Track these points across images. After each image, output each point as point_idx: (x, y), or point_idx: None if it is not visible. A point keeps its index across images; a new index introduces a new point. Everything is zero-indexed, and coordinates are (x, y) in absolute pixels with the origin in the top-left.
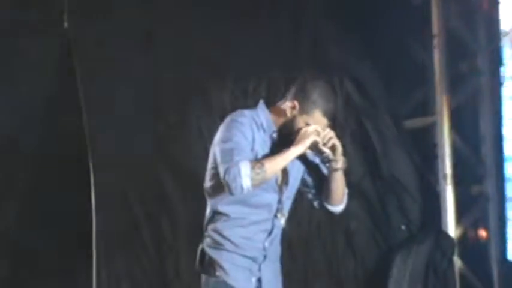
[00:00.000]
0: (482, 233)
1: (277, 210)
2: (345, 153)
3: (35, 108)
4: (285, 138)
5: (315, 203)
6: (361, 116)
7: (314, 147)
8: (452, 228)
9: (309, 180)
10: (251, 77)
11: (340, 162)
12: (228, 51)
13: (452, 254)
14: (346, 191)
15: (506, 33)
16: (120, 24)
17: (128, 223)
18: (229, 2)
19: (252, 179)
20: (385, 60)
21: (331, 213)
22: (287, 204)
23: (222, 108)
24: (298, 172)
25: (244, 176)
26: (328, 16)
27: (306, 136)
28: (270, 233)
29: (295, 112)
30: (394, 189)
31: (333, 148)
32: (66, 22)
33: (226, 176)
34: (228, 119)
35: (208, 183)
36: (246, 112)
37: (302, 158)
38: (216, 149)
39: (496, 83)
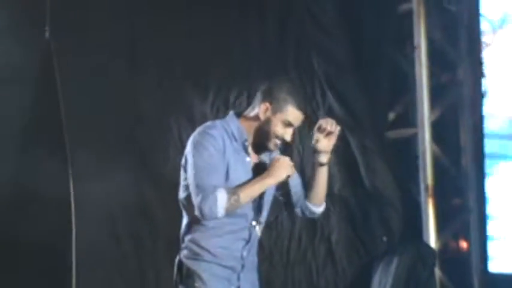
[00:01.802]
0: (463, 244)
1: (253, 218)
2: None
3: (14, 117)
4: (259, 144)
5: (297, 210)
6: (344, 128)
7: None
8: (433, 240)
9: (286, 186)
10: (233, 88)
11: (327, 156)
12: (210, 61)
13: (433, 265)
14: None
15: (488, 45)
16: (101, 33)
17: (108, 235)
18: (212, 12)
19: (226, 209)
20: (367, 71)
21: (312, 223)
22: (263, 212)
23: (203, 119)
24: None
25: (220, 206)
26: (312, 26)
27: (282, 168)
28: (247, 242)
29: (268, 114)
30: (375, 200)
31: (331, 138)
32: (47, 32)
33: (202, 204)
34: (199, 131)
35: (182, 194)
36: (217, 123)
37: None
38: (188, 164)
39: (477, 94)
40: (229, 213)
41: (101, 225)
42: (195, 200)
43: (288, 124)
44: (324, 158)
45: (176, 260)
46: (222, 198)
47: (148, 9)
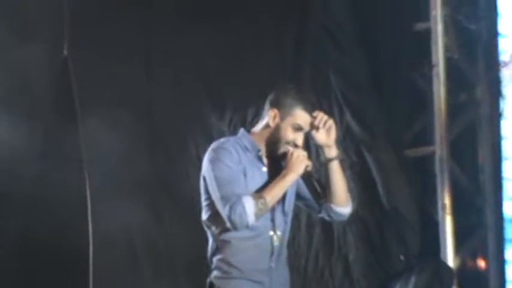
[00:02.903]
0: (481, 262)
1: (271, 228)
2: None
3: (33, 133)
4: (272, 151)
5: (323, 214)
6: (361, 146)
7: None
8: (451, 258)
9: (305, 190)
10: (250, 106)
11: (334, 149)
12: (227, 80)
13: (451, 284)
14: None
15: (506, 64)
16: (118, 50)
17: (126, 253)
18: (229, 30)
19: (256, 215)
20: (385, 90)
21: (329, 242)
22: (280, 221)
23: (221, 137)
24: (292, 190)
25: (249, 213)
26: (329, 44)
27: (298, 161)
28: (272, 253)
29: (277, 120)
30: (393, 218)
31: (328, 131)
32: (65, 48)
33: (232, 214)
34: (212, 147)
35: (205, 215)
36: (229, 138)
37: None
38: (208, 181)
39: (495, 113)
40: (259, 218)
41: (118, 244)
42: (223, 211)
43: (298, 128)
44: (329, 152)
45: (207, 282)
46: (249, 204)
47: (165, 26)
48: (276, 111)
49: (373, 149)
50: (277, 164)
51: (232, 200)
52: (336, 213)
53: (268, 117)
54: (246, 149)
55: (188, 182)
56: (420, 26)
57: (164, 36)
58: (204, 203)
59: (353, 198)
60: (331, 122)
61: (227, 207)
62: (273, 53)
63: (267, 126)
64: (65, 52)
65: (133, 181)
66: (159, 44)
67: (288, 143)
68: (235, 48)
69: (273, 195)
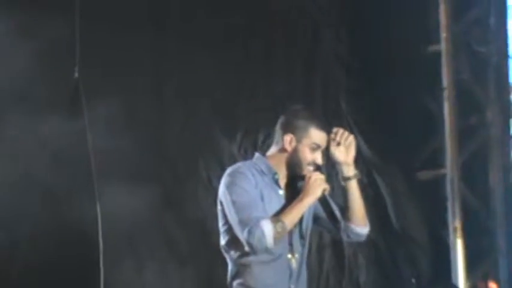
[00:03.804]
0: (493, 285)
1: (289, 251)
2: None
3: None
4: (294, 175)
5: (342, 234)
6: (371, 169)
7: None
8: (462, 281)
9: (322, 213)
10: (260, 129)
11: (352, 168)
12: (236, 103)
13: None
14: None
15: None
16: (129, 73)
17: (136, 276)
18: (241, 54)
19: (274, 238)
20: (396, 113)
21: (340, 265)
22: (298, 244)
23: (231, 160)
24: (309, 212)
25: (268, 236)
26: (340, 68)
27: (316, 185)
28: (290, 275)
29: (294, 144)
30: (404, 241)
31: (348, 148)
32: (76, 72)
33: (251, 239)
34: (228, 172)
35: (223, 241)
36: (245, 162)
37: None
38: (225, 205)
39: (506, 135)
40: (278, 241)
41: (127, 267)
42: (242, 236)
43: (316, 147)
44: (348, 171)
45: None
46: (268, 228)
47: (176, 48)
48: (291, 135)
49: (384, 172)
50: (294, 187)
51: (251, 224)
52: (355, 233)
53: (284, 142)
54: (262, 172)
55: (198, 204)
56: (431, 48)
57: (175, 59)
58: (221, 228)
59: None
60: (351, 138)
61: (246, 232)
62: (283, 76)
63: (283, 150)
64: (76, 74)
65: (142, 202)
66: (170, 66)
67: (308, 164)
68: (245, 72)
69: (291, 218)
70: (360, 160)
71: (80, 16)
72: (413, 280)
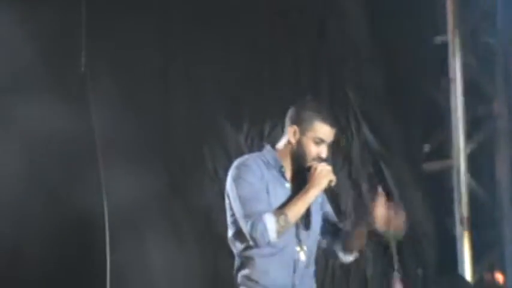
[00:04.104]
0: (499, 277)
1: (297, 243)
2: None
3: (51, 147)
4: (299, 168)
5: (330, 248)
6: (379, 160)
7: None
8: (469, 272)
9: (329, 217)
10: (267, 119)
11: (382, 228)
12: (244, 93)
13: None
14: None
15: None
16: (134, 63)
17: (144, 269)
18: (247, 45)
19: (278, 232)
20: (403, 104)
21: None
22: (306, 237)
23: (238, 150)
24: (317, 207)
25: (271, 230)
26: (347, 59)
27: (321, 176)
28: (294, 270)
29: (298, 136)
30: (410, 233)
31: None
32: (82, 62)
33: (253, 232)
34: (235, 165)
35: (230, 232)
36: (253, 154)
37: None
38: (231, 199)
39: None
40: (281, 234)
41: (135, 257)
42: (245, 229)
43: (320, 141)
44: (378, 227)
45: None
46: (270, 221)
47: (182, 41)
48: (295, 127)
49: (390, 163)
50: (300, 180)
51: (254, 218)
52: (340, 256)
53: (289, 133)
54: (269, 164)
55: (204, 193)
56: (438, 39)
57: (181, 51)
58: (228, 221)
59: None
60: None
61: (249, 225)
62: (289, 66)
63: (288, 142)
64: (83, 68)
65: (147, 192)
66: (176, 58)
67: (313, 157)
68: (251, 62)
69: (295, 211)
70: (366, 151)
71: (86, 10)
72: (419, 271)
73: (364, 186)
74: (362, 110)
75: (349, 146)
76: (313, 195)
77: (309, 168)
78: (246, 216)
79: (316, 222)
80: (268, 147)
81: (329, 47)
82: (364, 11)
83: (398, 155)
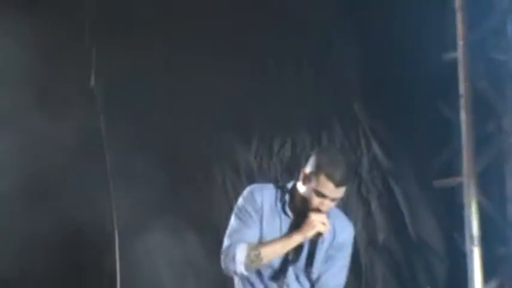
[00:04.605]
0: None
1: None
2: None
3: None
4: (300, 211)
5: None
6: (388, 177)
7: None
8: None
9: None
10: (276, 136)
11: None
12: (252, 110)
13: None
14: None
15: None
16: (143, 81)
17: (152, 283)
18: (253, 60)
19: (246, 265)
20: (412, 120)
21: (357, 274)
22: (294, 282)
23: (247, 167)
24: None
25: (238, 262)
26: (356, 75)
27: (311, 226)
28: None
29: (305, 181)
30: (421, 250)
31: None
32: (92, 80)
33: (224, 257)
34: (244, 192)
35: None
36: (270, 185)
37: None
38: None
39: None
40: (252, 270)
41: (144, 275)
42: (221, 251)
43: (321, 195)
44: None
45: None
46: (241, 252)
47: (189, 57)
48: (306, 172)
49: (400, 180)
50: (300, 220)
51: (231, 242)
52: None
53: (300, 175)
54: (277, 197)
55: (213, 210)
56: (447, 56)
57: (188, 69)
58: None
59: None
60: None
61: (224, 248)
62: (297, 84)
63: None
64: (92, 83)
65: (158, 209)
66: (184, 75)
67: (312, 209)
68: (259, 80)
69: (270, 250)
70: (375, 167)
71: (94, 25)
72: None
73: (374, 203)
74: (371, 126)
75: (359, 163)
76: (295, 241)
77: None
78: (227, 238)
79: (318, 271)
80: (292, 182)
81: (335, 64)
82: (372, 28)
83: (407, 171)
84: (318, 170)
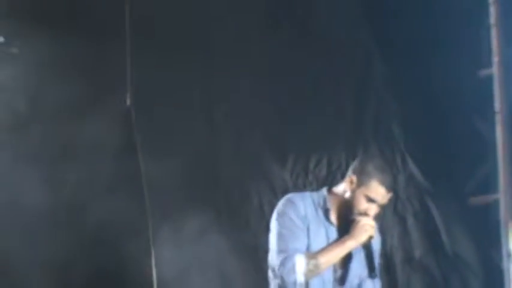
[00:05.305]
0: None
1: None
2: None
3: (98, 186)
4: (343, 217)
5: None
6: (424, 195)
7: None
8: None
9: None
10: (312, 155)
11: None
12: (288, 128)
13: None
14: None
15: None
16: (180, 99)
17: None
18: (289, 81)
19: (305, 275)
20: (448, 137)
21: None
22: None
23: (283, 186)
24: (359, 270)
25: (299, 272)
26: (391, 93)
27: (363, 230)
28: None
29: (353, 187)
30: (457, 266)
31: None
32: (128, 99)
33: (281, 269)
34: (283, 200)
35: (269, 266)
36: (306, 193)
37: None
38: (271, 233)
39: None
40: (310, 278)
41: None
42: (276, 264)
43: (371, 200)
44: None
45: None
46: (300, 262)
47: (226, 77)
48: (354, 177)
49: (436, 197)
50: (347, 227)
51: (286, 254)
52: None
53: (347, 181)
54: (318, 205)
55: (250, 230)
56: (483, 72)
57: (225, 88)
58: (269, 255)
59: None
60: None
61: (279, 261)
62: (333, 102)
63: (344, 190)
64: (128, 101)
65: (195, 229)
66: (220, 95)
67: (359, 213)
68: (296, 98)
69: (327, 258)
70: (411, 185)
71: (131, 44)
72: None
73: (410, 221)
74: (407, 144)
75: (395, 181)
76: (350, 247)
77: (353, 220)
78: (279, 251)
79: (353, 277)
80: (324, 190)
81: (373, 84)
82: (408, 46)
83: (444, 189)
84: (368, 176)
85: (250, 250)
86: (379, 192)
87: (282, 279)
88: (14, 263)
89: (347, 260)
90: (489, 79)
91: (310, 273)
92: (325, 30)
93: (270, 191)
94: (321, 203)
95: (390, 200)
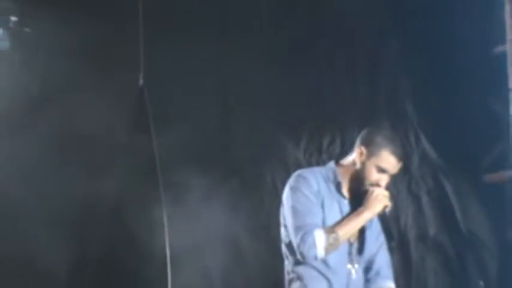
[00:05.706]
0: None
1: (349, 261)
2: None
3: (111, 166)
4: (355, 189)
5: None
6: (438, 172)
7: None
8: None
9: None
10: (325, 134)
11: None
12: (302, 107)
13: None
14: None
15: None
16: (193, 80)
17: (202, 281)
18: (303, 59)
19: (326, 249)
20: (462, 115)
21: (408, 268)
22: (356, 257)
23: (297, 165)
24: (372, 235)
25: (319, 246)
26: (405, 72)
27: (377, 200)
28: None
29: (363, 158)
30: (472, 244)
31: None
32: (141, 79)
33: (302, 245)
34: (294, 175)
35: (282, 243)
36: (314, 168)
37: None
38: (285, 209)
39: None
40: (330, 252)
41: (195, 272)
42: (295, 241)
43: (382, 170)
44: None
45: None
46: (320, 237)
47: (240, 58)
48: (363, 148)
49: (450, 175)
50: (358, 199)
51: (304, 230)
52: None
53: (356, 153)
54: (328, 179)
55: (263, 209)
56: (496, 50)
57: (239, 68)
58: (282, 230)
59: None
60: None
61: (299, 237)
62: (347, 82)
63: (353, 162)
64: (141, 81)
65: (208, 206)
66: (235, 75)
67: (371, 183)
68: (309, 78)
69: (345, 230)
70: (425, 163)
71: (144, 24)
72: (481, 283)
73: (424, 199)
74: (420, 123)
75: (409, 159)
76: (366, 218)
77: (365, 191)
78: (297, 228)
79: (370, 247)
80: (331, 163)
81: (387, 62)
82: (422, 23)
83: (458, 166)
84: (379, 145)
85: (264, 230)
86: (390, 162)
87: (302, 254)
88: (34, 241)
89: (361, 231)
90: (503, 56)
91: (331, 247)
92: (339, 9)
93: (283, 171)
94: (331, 177)
95: (404, 178)
